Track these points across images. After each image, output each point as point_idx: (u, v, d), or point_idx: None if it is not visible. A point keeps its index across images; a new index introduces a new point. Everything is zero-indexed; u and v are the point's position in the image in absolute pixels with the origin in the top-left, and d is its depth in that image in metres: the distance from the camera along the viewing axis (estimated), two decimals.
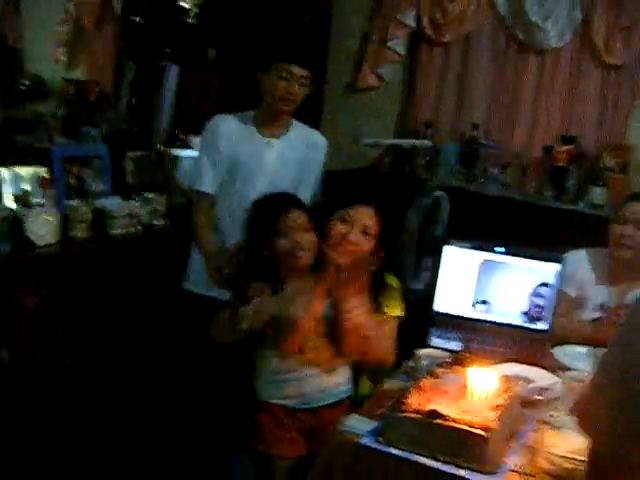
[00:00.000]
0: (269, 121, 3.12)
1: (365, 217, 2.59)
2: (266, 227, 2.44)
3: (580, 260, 3.06)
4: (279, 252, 2.42)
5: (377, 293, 2.57)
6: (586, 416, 1.49)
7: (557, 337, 2.83)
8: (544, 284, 2.80)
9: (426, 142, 4.67)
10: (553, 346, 2.75)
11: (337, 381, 2.47)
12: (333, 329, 2.43)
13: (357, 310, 2.39)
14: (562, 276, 2.90)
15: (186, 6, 4.57)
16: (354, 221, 2.57)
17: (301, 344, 2.38)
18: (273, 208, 2.49)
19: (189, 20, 4.59)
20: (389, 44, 4.86)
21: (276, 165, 3.11)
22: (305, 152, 3.17)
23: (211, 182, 3.10)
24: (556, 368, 2.55)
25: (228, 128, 3.11)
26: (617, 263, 2.98)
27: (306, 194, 3.06)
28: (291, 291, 2.37)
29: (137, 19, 4.71)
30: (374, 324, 2.44)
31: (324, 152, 3.25)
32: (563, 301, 2.96)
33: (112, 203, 3.73)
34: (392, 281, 2.69)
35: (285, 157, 3.13)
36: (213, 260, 2.86)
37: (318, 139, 3.26)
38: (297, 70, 3.00)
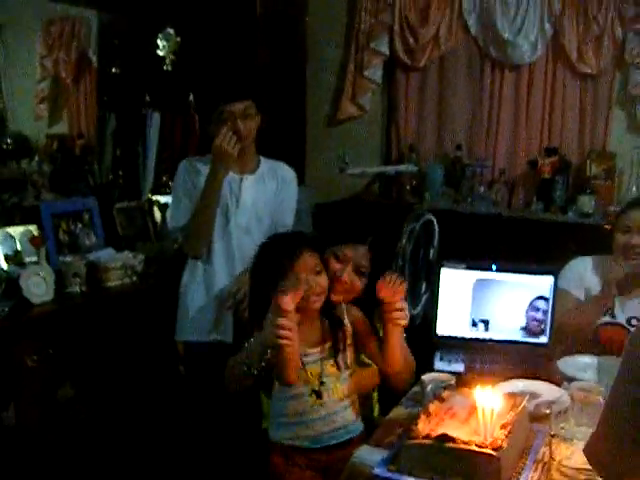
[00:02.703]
0: (236, 162, 3.05)
1: (359, 256, 2.61)
2: (277, 271, 2.33)
3: (586, 267, 3.06)
4: None
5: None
6: (596, 457, 1.51)
7: (564, 332, 2.84)
8: (541, 297, 2.80)
9: (411, 167, 4.71)
10: (558, 356, 2.74)
11: (348, 419, 2.42)
12: (382, 340, 2.42)
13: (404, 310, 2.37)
14: (567, 279, 2.93)
15: (162, 54, 4.61)
16: (348, 260, 2.59)
17: (317, 392, 2.35)
18: (284, 250, 2.39)
19: (166, 67, 4.62)
20: (365, 73, 4.90)
21: (254, 200, 3.11)
22: (277, 187, 3.16)
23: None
24: (562, 380, 2.54)
25: (199, 169, 3.08)
26: (626, 272, 2.95)
27: (284, 230, 3.06)
28: (271, 316, 2.22)
29: (114, 70, 4.74)
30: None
31: (295, 184, 3.25)
32: (569, 300, 2.96)
33: (105, 255, 3.75)
34: None
35: (261, 191, 3.13)
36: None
37: (287, 173, 3.24)
38: (234, 107, 2.99)
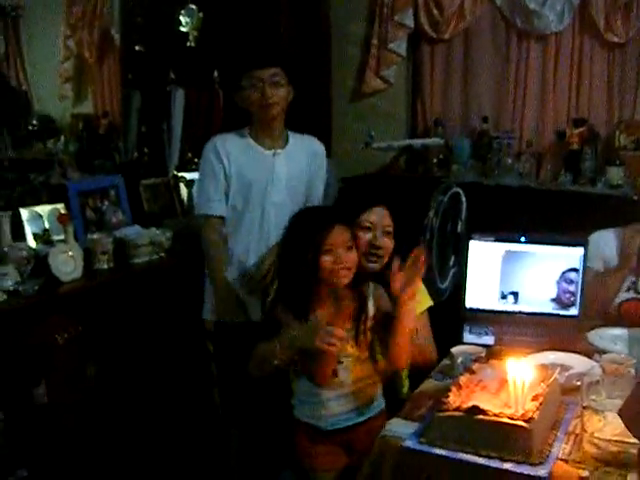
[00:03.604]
0: (266, 134, 3.05)
1: (383, 218, 2.61)
2: (308, 243, 2.30)
3: (606, 240, 3.04)
4: (321, 270, 2.30)
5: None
6: (632, 419, 1.49)
7: (592, 310, 2.84)
8: (573, 269, 2.77)
9: (437, 140, 4.68)
10: (589, 329, 2.72)
11: (365, 401, 2.40)
12: (386, 328, 2.35)
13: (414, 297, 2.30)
14: (589, 256, 2.89)
15: (185, 30, 4.60)
16: (375, 225, 2.59)
17: (333, 370, 2.33)
18: (316, 223, 2.36)
19: (189, 44, 4.61)
20: (390, 46, 4.86)
21: (287, 175, 3.05)
22: (308, 161, 3.12)
23: (218, 204, 3.02)
24: (592, 352, 2.53)
25: (228, 147, 3.02)
26: None
27: (316, 204, 3.06)
28: (315, 321, 2.26)
29: (138, 48, 4.73)
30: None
31: (325, 159, 3.21)
32: (589, 273, 2.92)
33: (132, 232, 3.76)
34: None
35: (293, 166, 3.07)
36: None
37: (317, 147, 3.20)
38: (263, 72, 2.93)
